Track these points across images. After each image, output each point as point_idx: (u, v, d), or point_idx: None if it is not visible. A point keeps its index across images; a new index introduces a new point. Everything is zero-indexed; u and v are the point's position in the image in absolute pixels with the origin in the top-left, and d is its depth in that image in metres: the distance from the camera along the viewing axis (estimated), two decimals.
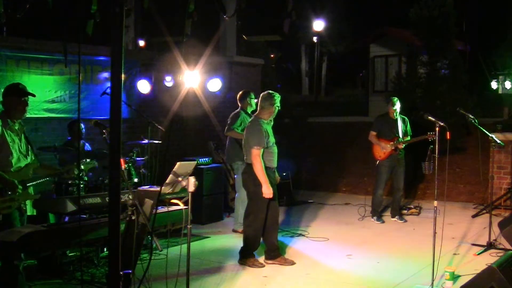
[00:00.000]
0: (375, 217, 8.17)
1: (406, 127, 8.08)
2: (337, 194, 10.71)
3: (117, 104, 2.70)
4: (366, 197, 8.53)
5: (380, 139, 8.04)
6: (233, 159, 7.30)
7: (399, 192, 8.19)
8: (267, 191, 5.67)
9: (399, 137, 7.95)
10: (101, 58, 8.25)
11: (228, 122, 7.27)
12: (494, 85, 11.06)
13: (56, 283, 5.14)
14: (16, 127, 4.60)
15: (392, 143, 7.92)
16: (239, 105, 7.38)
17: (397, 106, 7.93)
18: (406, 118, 8.15)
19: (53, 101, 7.73)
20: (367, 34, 17.64)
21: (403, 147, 7.97)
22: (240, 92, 7.46)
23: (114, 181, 2.73)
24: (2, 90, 4.65)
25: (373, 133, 8.12)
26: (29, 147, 4.73)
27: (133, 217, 4.12)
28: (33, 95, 4.69)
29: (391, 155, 7.98)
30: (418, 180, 10.14)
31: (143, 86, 8.35)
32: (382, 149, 8.00)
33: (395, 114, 7.96)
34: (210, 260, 6.13)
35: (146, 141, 6.86)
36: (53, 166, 5.30)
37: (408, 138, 8.01)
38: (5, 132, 4.47)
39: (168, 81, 8.70)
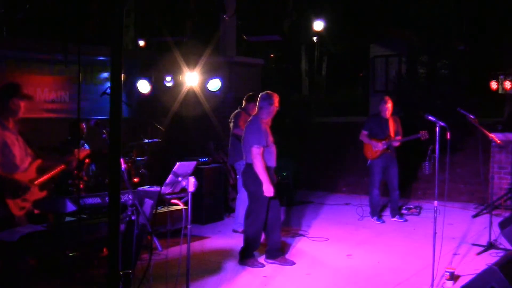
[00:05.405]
0: (375, 217, 8.16)
1: (398, 127, 8.06)
2: (337, 194, 10.70)
3: (117, 104, 2.70)
4: (366, 197, 8.52)
5: (372, 139, 8.02)
6: (236, 160, 7.30)
7: (395, 192, 8.14)
8: (268, 189, 5.67)
9: (390, 136, 7.93)
10: (101, 58, 8.25)
11: (233, 120, 7.33)
12: (494, 85, 11.01)
13: (56, 283, 5.14)
14: (11, 127, 4.52)
15: (384, 142, 7.90)
16: (243, 103, 7.40)
17: (390, 105, 7.92)
18: (398, 118, 8.14)
19: (53, 101, 7.72)
20: (367, 34, 17.65)
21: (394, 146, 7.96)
22: (250, 93, 7.45)
23: (114, 181, 2.73)
24: None
25: (364, 132, 8.10)
26: (27, 145, 4.68)
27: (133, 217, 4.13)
28: (27, 98, 4.56)
29: (383, 154, 7.97)
30: (418, 180, 10.13)
31: (143, 86, 8.34)
32: (374, 148, 7.99)
33: (387, 113, 7.95)
34: (210, 260, 6.12)
35: (146, 141, 6.86)
36: (54, 159, 4.97)
37: (399, 137, 7.98)
38: (4, 135, 4.45)
39: (168, 81, 8.70)
